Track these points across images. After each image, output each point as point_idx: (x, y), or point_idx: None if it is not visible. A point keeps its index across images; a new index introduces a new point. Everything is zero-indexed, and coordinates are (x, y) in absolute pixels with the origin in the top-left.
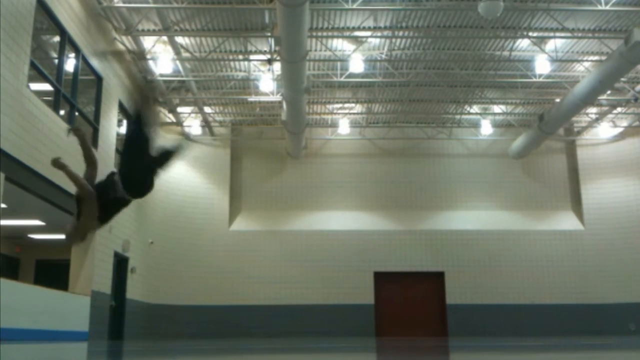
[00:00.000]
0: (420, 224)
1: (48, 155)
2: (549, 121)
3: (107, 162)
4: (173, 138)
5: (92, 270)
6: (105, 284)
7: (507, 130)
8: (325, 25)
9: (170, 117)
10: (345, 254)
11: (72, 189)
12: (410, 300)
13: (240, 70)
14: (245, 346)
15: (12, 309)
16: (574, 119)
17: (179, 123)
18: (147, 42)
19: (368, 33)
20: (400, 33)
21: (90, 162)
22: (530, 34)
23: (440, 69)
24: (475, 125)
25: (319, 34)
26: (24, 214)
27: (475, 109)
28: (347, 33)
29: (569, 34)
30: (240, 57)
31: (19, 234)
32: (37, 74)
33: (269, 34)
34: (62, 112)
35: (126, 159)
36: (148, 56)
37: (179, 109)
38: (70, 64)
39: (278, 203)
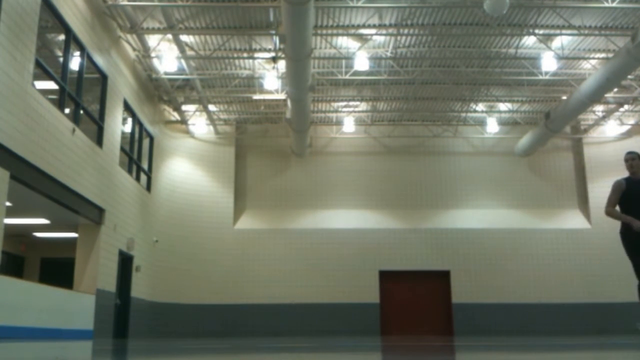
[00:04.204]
0: (426, 223)
1: (53, 154)
2: (555, 119)
3: (112, 159)
4: None
5: (97, 268)
6: (110, 283)
7: (513, 128)
8: (330, 23)
9: (175, 116)
10: (350, 253)
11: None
12: (415, 299)
13: (245, 69)
14: (250, 345)
15: (17, 307)
16: (581, 116)
17: (183, 121)
18: (152, 40)
19: (373, 31)
20: (406, 31)
21: None
22: (537, 31)
23: (446, 67)
24: (481, 123)
25: (324, 31)
26: (29, 212)
27: (481, 106)
28: (352, 31)
29: (575, 32)
30: (245, 55)
31: (24, 232)
32: (42, 72)
33: (273, 32)
34: (67, 111)
35: None
36: (153, 54)
37: (184, 107)
38: (75, 62)
39: (283, 201)
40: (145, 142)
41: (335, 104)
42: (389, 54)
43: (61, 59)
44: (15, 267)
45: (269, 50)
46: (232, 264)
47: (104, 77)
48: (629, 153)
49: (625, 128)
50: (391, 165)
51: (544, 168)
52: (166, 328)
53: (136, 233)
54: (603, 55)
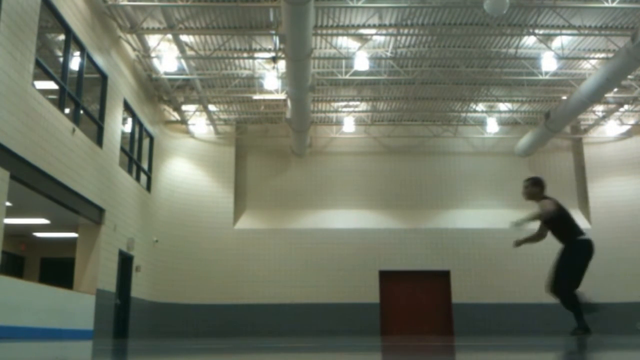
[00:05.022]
0: (426, 223)
1: (53, 154)
2: (556, 119)
3: (112, 159)
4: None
5: (97, 268)
6: (110, 283)
7: (513, 128)
8: (330, 22)
9: (175, 116)
10: (350, 253)
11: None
12: (415, 299)
13: (245, 69)
14: (250, 345)
15: (17, 307)
16: (581, 116)
17: (183, 121)
18: (152, 40)
19: (373, 31)
20: (406, 31)
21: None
22: (537, 31)
23: (446, 67)
24: (481, 123)
25: (324, 31)
26: (29, 212)
27: (481, 106)
28: (352, 31)
29: (575, 31)
30: (245, 55)
31: (24, 232)
32: (42, 72)
33: (273, 32)
34: (67, 111)
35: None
36: (153, 54)
37: (184, 107)
38: (75, 62)
39: (283, 201)
40: (145, 142)
41: (335, 104)
42: (389, 54)
43: (61, 59)
44: (15, 267)
45: (269, 50)
46: (232, 264)
47: (104, 77)
48: (524, 180)
49: (625, 128)
50: (391, 165)
51: (544, 168)
52: (166, 328)
53: (136, 233)
54: (603, 55)
